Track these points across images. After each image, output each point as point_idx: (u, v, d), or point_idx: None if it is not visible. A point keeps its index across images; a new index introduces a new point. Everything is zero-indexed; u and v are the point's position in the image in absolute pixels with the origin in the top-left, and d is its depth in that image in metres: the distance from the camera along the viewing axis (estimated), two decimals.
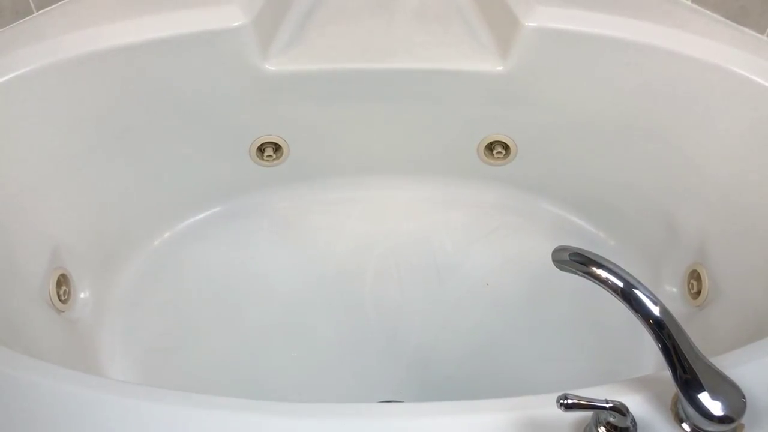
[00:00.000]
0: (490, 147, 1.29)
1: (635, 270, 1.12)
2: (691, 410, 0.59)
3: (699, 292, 1.10)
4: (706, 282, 1.09)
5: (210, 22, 1.09)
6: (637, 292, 0.60)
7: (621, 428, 0.59)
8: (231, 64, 1.13)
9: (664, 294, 1.17)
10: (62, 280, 1.08)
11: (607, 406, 0.56)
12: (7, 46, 1.03)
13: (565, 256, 0.64)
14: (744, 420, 0.59)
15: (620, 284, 0.61)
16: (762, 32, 1.07)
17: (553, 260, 0.66)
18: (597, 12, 1.10)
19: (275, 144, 1.28)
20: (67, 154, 1.09)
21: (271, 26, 1.18)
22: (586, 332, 1.19)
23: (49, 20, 1.08)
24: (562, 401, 0.56)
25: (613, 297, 0.62)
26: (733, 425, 0.58)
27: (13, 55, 1.01)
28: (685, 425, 0.61)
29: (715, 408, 0.58)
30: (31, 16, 1.09)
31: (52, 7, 1.10)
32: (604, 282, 0.61)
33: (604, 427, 0.59)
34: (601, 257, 0.63)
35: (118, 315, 1.18)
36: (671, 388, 0.62)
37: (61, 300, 1.06)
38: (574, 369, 1.14)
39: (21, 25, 1.07)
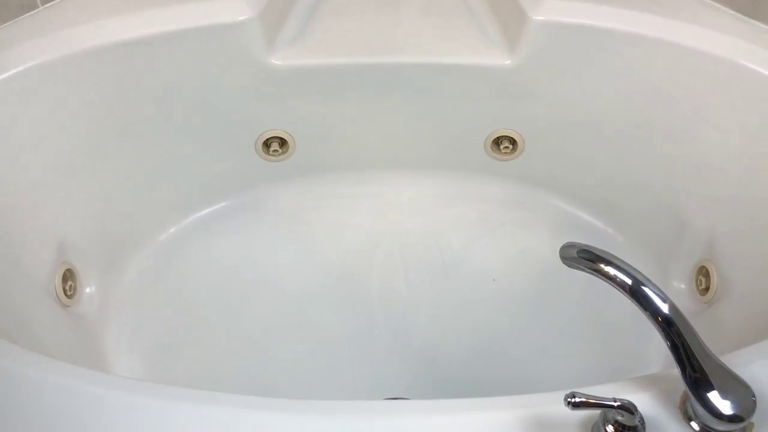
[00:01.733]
0: (497, 142, 1.29)
1: (643, 266, 1.11)
2: (700, 409, 0.58)
3: (707, 289, 1.09)
4: (714, 278, 1.08)
5: (216, 16, 1.09)
6: (645, 289, 0.60)
7: (629, 427, 0.58)
8: (237, 59, 1.12)
9: (672, 290, 1.16)
10: (68, 275, 1.08)
11: (615, 404, 0.56)
12: (11, 41, 1.03)
13: (573, 253, 0.64)
14: (754, 419, 0.58)
15: (628, 281, 0.60)
16: None
17: (560, 257, 0.65)
18: (605, 5, 1.10)
19: (281, 139, 1.27)
20: (73, 148, 1.09)
21: (277, 20, 1.17)
22: (593, 329, 1.18)
23: (54, 14, 1.07)
24: (569, 399, 0.55)
25: (621, 294, 0.61)
26: (743, 424, 0.58)
27: (18, 50, 1.01)
28: (694, 424, 0.61)
29: (725, 407, 0.57)
30: (36, 10, 1.08)
31: (58, 0, 1.10)
32: (612, 279, 0.61)
33: (612, 425, 0.59)
34: (609, 254, 0.62)
35: (124, 310, 1.18)
36: (680, 386, 0.61)
37: (66, 295, 1.06)
38: (581, 366, 1.14)
39: (26, 19, 1.07)
